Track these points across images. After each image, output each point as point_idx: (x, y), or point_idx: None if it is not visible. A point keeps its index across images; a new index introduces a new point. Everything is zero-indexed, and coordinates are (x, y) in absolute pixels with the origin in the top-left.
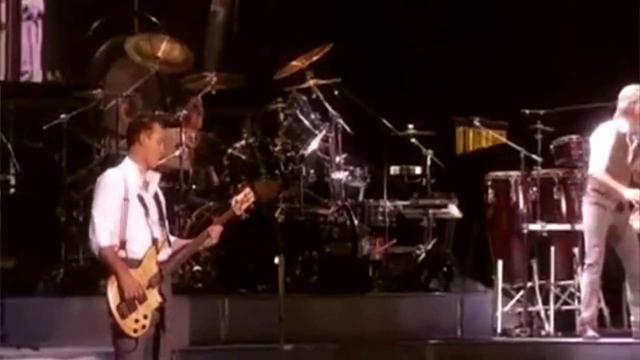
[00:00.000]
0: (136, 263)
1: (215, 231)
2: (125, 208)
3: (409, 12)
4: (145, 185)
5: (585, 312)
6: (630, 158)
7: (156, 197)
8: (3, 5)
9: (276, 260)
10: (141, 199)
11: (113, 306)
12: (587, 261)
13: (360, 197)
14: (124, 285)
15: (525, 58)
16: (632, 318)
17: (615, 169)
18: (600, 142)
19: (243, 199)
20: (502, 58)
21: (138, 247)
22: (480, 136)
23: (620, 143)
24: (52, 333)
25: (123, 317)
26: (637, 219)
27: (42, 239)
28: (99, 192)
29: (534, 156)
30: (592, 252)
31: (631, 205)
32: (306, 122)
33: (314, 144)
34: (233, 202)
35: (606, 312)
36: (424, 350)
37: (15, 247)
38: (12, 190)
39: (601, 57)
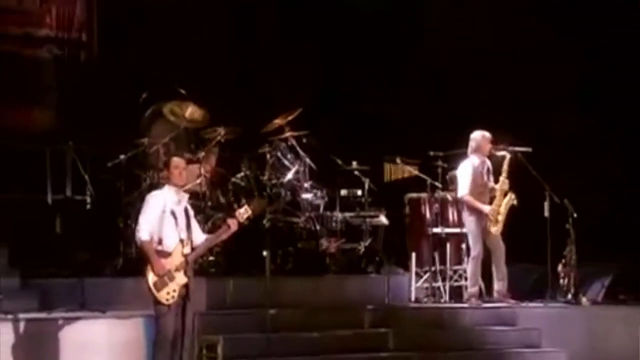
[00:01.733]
0: (168, 254)
1: (232, 223)
2: (162, 218)
3: (361, 91)
4: (178, 201)
5: (472, 288)
6: (485, 179)
7: (186, 210)
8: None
9: (264, 253)
10: (173, 213)
11: (151, 283)
12: (472, 254)
13: (321, 210)
14: (154, 267)
15: (430, 113)
16: (495, 288)
17: (478, 188)
18: (463, 173)
19: (243, 212)
20: (416, 115)
21: (169, 243)
22: (400, 170)
23: (476, 171)
24: (114, 301)
25: (158, 290)
26: (492, 226)
27: (107, 239)
28: (145, 205)
29: (436, 183)
30: (476, 247)
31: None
32: (284, 161)
33: (290, 175)
34: (237, 213)
35: (482, 286)
36: (364, 313)
37: (90, 245)
38: (88, 207)
39: (480, 116)
